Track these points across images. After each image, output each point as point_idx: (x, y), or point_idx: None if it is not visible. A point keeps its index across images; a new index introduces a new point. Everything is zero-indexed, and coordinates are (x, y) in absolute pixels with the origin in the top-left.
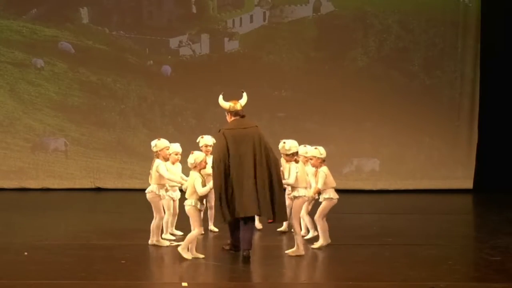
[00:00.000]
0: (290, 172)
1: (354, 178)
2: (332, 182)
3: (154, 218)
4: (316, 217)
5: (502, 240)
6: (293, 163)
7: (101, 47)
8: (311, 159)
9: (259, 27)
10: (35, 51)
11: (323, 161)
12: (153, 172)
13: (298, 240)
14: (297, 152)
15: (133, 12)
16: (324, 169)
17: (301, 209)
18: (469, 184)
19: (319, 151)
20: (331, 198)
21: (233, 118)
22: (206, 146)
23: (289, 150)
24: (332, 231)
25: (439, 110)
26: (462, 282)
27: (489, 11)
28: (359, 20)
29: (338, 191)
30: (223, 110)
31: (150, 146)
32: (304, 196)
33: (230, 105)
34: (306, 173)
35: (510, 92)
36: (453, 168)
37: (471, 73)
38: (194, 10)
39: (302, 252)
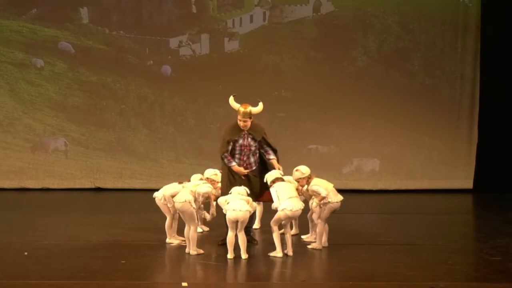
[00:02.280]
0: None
1: (354, 178)
2: (327, 189)
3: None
4: (317, 219)
5: (502, 240)
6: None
7: (101, 47)
8: (297, 181)
9: (259, 27)
10: (35, 51)
11: (309, 178)
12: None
13: (276, 243)
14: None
15: (133, 12)
16: (314, 182)
17: (278, 218)
18: (469, 184)
19: (301, 171)
20: (329, 202)
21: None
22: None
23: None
24: (332, 231)
25: (439, 110)
26: (462, 282)
27: (489, 11)
28: (359, 20)
29: (338, 191)
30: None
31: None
32: (285, 208)
33: (239, 108)
34: (292, 185)
35: (510, 92)
36: (453, 168)
37: (471, 73)
38: (194, 10)
39: (280, 254)
